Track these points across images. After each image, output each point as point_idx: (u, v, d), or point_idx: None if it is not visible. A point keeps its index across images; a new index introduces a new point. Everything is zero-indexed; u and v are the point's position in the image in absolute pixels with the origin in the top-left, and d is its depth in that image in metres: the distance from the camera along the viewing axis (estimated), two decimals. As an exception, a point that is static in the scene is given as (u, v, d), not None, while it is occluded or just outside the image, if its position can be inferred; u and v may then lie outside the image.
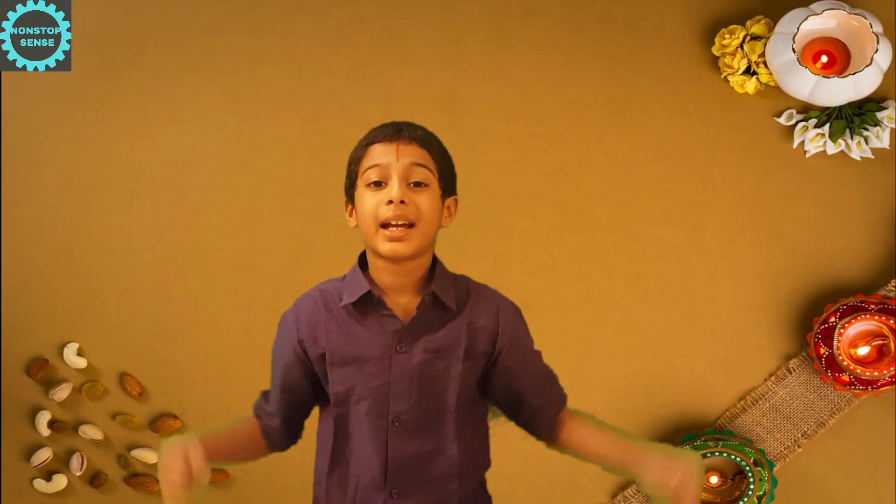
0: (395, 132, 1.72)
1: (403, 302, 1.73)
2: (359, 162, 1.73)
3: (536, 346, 1.90)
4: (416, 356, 1.71)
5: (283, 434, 1.80)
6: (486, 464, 1.77)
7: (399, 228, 1.69)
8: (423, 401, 1.71)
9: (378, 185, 1.71)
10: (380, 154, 1.71)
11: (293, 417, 1.79)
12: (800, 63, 1.94)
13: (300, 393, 1.77)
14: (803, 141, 2.04)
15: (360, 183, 1.72)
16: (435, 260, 1.75)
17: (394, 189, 1.70)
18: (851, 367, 1.96)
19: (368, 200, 1.71)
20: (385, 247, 1.70)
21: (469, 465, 1.74)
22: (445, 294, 1.73)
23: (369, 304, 1.72)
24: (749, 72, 2.02)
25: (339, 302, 1.73)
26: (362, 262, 1.74)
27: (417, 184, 1.71)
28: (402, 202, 1.70)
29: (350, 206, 1.74)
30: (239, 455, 1.80)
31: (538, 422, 1.78)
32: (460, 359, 1.72)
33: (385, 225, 1.70)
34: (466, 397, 1.74)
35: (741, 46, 2.01)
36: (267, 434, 1.79)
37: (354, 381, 1.71)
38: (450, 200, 1.76)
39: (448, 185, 1.76)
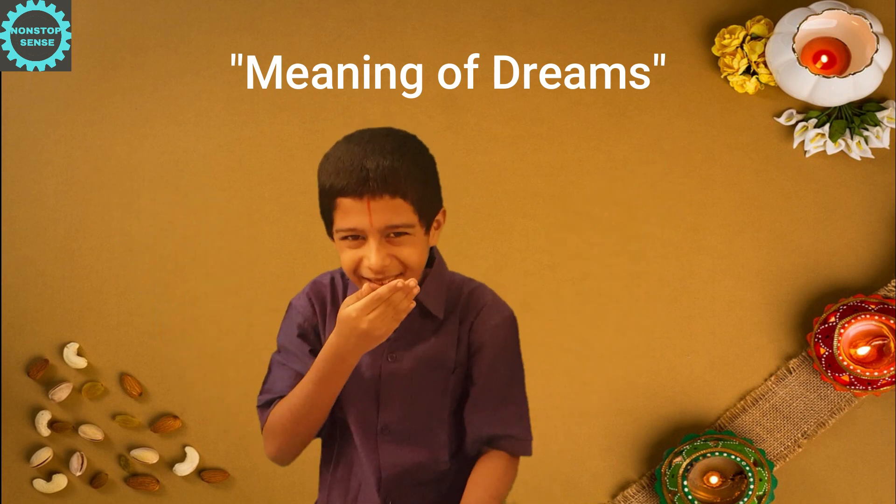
0: (361, 184, 1.61)
1: None
2: (330, 213, 1.66)
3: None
4: (406, 365, 1.67)
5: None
6: None
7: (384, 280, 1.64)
8: (413, 410, 1.68)
9: (355, 238, 1.64)
10: (351, 211, 1.61)
11: None
12: (800, 63, 1.94)
13: None
14: (803, 141, 2.04)
15: (335, 233, 1.66)
16: (432, 259, 1.71)
17: (371, 256, 1.61)
18: (851, 367, 1.96)
19: (347, 254, 1.64)
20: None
21: (464, 466, 1.71)
22: (432, 301, 1.68)
23: None
24: (749, 72, 2.02)
25: (343, 299, 1.70)
26: None
27: (399, 233, 1.65)
28: (384, 264, 1.63)
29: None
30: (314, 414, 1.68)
31: (468, 440, 1.71)
32: (450, 369, 1.68)
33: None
34: (459, 406, 1.70)
35: (741, 46, 2.01)
36: None
37: (347, 384, 1.69)
38: (438, 216, 1.71)
39: (432, 210, 1.67)
